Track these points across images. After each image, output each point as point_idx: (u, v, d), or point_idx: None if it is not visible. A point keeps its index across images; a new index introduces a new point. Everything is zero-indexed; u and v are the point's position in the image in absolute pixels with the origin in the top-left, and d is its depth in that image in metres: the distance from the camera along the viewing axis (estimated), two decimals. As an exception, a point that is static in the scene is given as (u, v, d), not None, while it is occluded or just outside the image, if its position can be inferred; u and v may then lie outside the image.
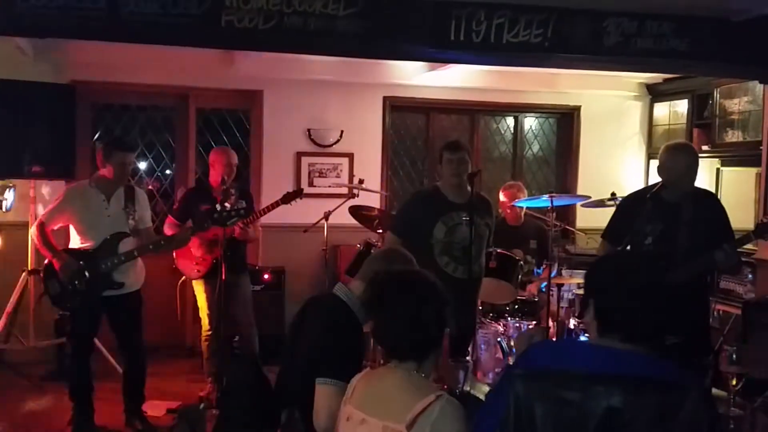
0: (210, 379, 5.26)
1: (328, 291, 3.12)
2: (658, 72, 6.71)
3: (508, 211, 5.68)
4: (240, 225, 4.95)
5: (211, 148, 5.99)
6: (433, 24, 4.37)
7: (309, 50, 5.13)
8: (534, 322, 5.03)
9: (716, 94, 6.52)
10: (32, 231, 4.55)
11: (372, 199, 6.47)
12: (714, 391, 3.83)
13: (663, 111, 7.43)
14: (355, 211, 5.79)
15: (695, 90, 6.85)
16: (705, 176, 6.31)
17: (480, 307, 4.94)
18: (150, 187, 6.68)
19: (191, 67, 6.26)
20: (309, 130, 6.81)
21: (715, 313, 5.47)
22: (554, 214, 5.21)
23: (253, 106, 6.79)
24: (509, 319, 5.01)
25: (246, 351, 5.14)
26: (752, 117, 6.09)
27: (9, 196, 5.55)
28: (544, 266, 5.37)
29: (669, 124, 7.33)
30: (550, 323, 4.98)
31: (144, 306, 4.72)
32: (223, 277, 4.66)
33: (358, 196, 5.93)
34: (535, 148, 7.71)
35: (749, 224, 5.48)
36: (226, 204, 4.60)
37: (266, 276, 6.30)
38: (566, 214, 7.25)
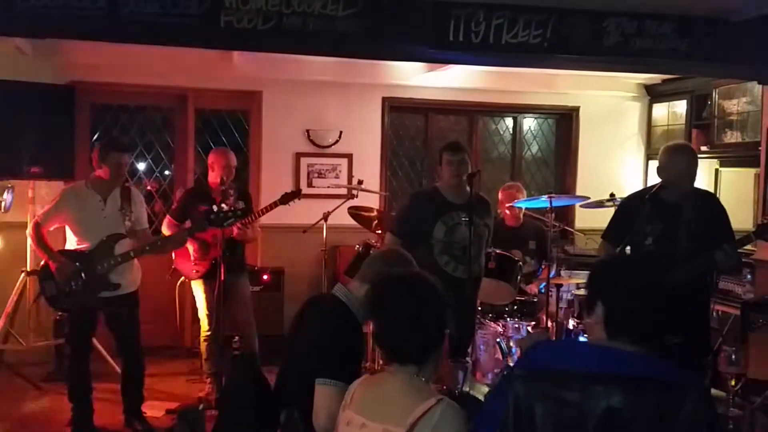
0: (209, 379, 5.26)
1: (328, 291, 3.12)
2: (657, 72, 6.71)
3: (507, 211, 5.68)
4: (238, 226, 4.95)
5: (210, 148, 5.99)
6: (432, 24, 4.38)
7: (308, 51, 5.13)
8: (533, 323, 5.03)
9: (715, 95, 6.53)
10: (28, 231, 4.54)
11: (371, 200, 6.46)
12: (713, 391, 3.83)
13: (662, 112, 7.43)
14: (354, 211, 5.79)
15: (694, 91, 6.86)
16: (704, 177, 6.31)
17: (479, 308, 4.94)
18: (149, 187, 6.67)
19: (190, 67, 6.25)
20: (308, 131, 6.81)
21: (714, 313, 5.47)
22: (553, 215, 5.21)
23: (252, 107, 6.78)
24: (508, 319, 5.02)
25: (245, 351, 5.14)
26: (751, 118, 6.09)
27: (7, 196, 5.54)
28: (543, 267, 5.37)
29: (668, 125, 7.33)
30: (549, 323, 4.98)
31: (142, 307, 4.71)
32: (222, 278, 4.66)
33: (357, 196, 5.93)
34: (534, 148, 7.71)
35: (748, 225, 5.49)
36: (223, 205, 4.60)
37: (265, 276, 6.30)
38: (565, 214, 7.25)
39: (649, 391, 1.94)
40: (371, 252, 4.94)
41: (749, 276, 5.39)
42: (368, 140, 6.96)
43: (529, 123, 7.67)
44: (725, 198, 5.68)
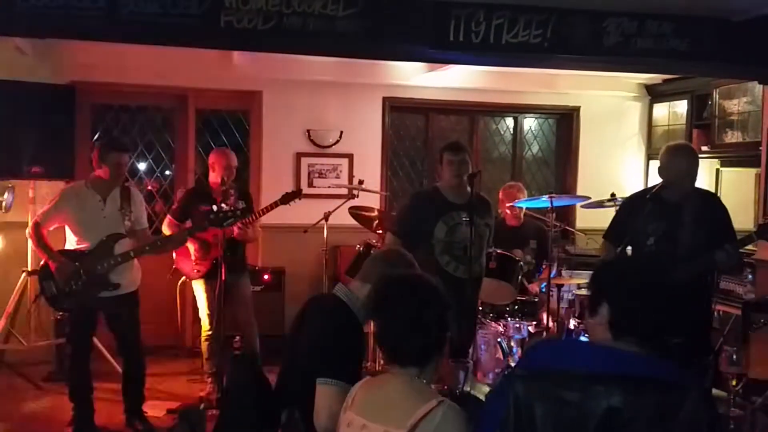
0: (210, 379, 5.27)
1: (329, 291, 3.12)
2: (658, 72, 6.71)
3: (508, 211, 5.68)
4: (239, 225, 4.95)
5: (210, 148, 5.99)
6: (432, 24, 4.37)
7: (308, 51, 5.13)
8: (534, 323, 5.03)
9: (715, 95, 6.52)
10: (28, 231, 4.53)
11: (372, 200, 6.46)
12: (714, 391, 3.83)
13: (662, 112, 7.43)
14: (354, 211, 5.79)
15: (694, 90, 6.85)
16: (704, 177, 6.31)
17: (480, 308, 4.94)
18: (150, 187, 6.68)
19: (190, 67, 6.25)
20: (308, 131, 6.81)
21: (715, 313, 5.47)
22: (554, 215, 5.21)
23: (252, 107, 6.78)
24: (509, 319, 5.01)
25: (246, 351, 5.14)
26: (751, 117, 6.09)
27: (8, 196, 5.54)
28: (543, 267, 5.37)
29: (668, 125, 7.33)
30: (550, 323, 4.98)
31: (143, 307, 4.72)
32: (223, 278, 4.66)
33: (357, 196, 5.93)
34: (535, 148, 7.71)
35: (749, 225, 5.49)
36: (223, 205, 4.60)
37: (266, 276, 6.30)
38: (566, 214, 7.24)
39: (650, 391, 1.94)
40: (372, 252, 4.95)
41: (750, 276, 5.39)
42: (369, 140, 6.96)
43: (529, 123, 7.67)
44: (726, 198, 5.67)
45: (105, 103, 6.56)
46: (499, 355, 4.69)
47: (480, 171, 4.81)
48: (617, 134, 7.56)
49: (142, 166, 6.72)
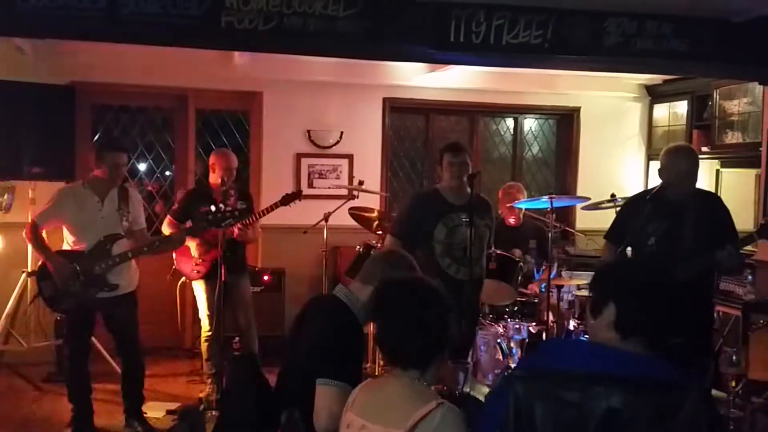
0: (210, 380, 5.26)
1: (328, 292, 3.12)
2: (658, 73, 6.70)
3: (508, 212, 5.68)
4: (239, 226, 4.95)
5: (210, 149, 5.99)
6: (432, 25, 4.37)
7: (309, 51, 5.12)
8: (534, 323, 5.03)
9: (716, 96, 6.52)
10: (25, 232, 4.52)
11: (372, 201, 6.47)
12: (714, 392, 3.83)
13: (662, 112, 7.43)
14: (354, 212, 5.79)
15: (695, 91, 6.85)
16: (705, 178, 6.30)
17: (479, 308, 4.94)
18: (150, 188, 6.68)
19: (191, 68, 6.25)
20: (309, 132, 6.81)
21: (715, 314, 5.47)
22: (554, 216, 5.21)
23: (252, 108, 6.79)
24: (509, 320, 5.01)
25: (246, 352, 5.14)
26: (752, 118, 6.09)
27: (8, 197, 5.54)
28: (543, 267, 5.37)
29: (669, 126, 7.33)
30: (551, 319, 4.98)
31: (142, 307, 4.72)
32: (223, 278, 4.66)
33: (357, 197, 5.93)
34: (535, 149, 7.71)
35: (749, 225, 5.48)
36: (222, 205, 4.60)
37: (266, 277, 6.30)
38: (566, 215, 7.25)
39: (649, 392, 1.94)
40: (372, 253, 4.95)
41: (750, 277, 5.39)
42: (369, 141, 6.97)
43: (529, 123, 7.67)
44: (726, 199, 5.66)
45: (105, 104, 6.56)
46: (499, 356, 4.69)
47: (480, 172, 4.81)
48: (617, 135, 7.56)
49: (142, 166, 6.72)
